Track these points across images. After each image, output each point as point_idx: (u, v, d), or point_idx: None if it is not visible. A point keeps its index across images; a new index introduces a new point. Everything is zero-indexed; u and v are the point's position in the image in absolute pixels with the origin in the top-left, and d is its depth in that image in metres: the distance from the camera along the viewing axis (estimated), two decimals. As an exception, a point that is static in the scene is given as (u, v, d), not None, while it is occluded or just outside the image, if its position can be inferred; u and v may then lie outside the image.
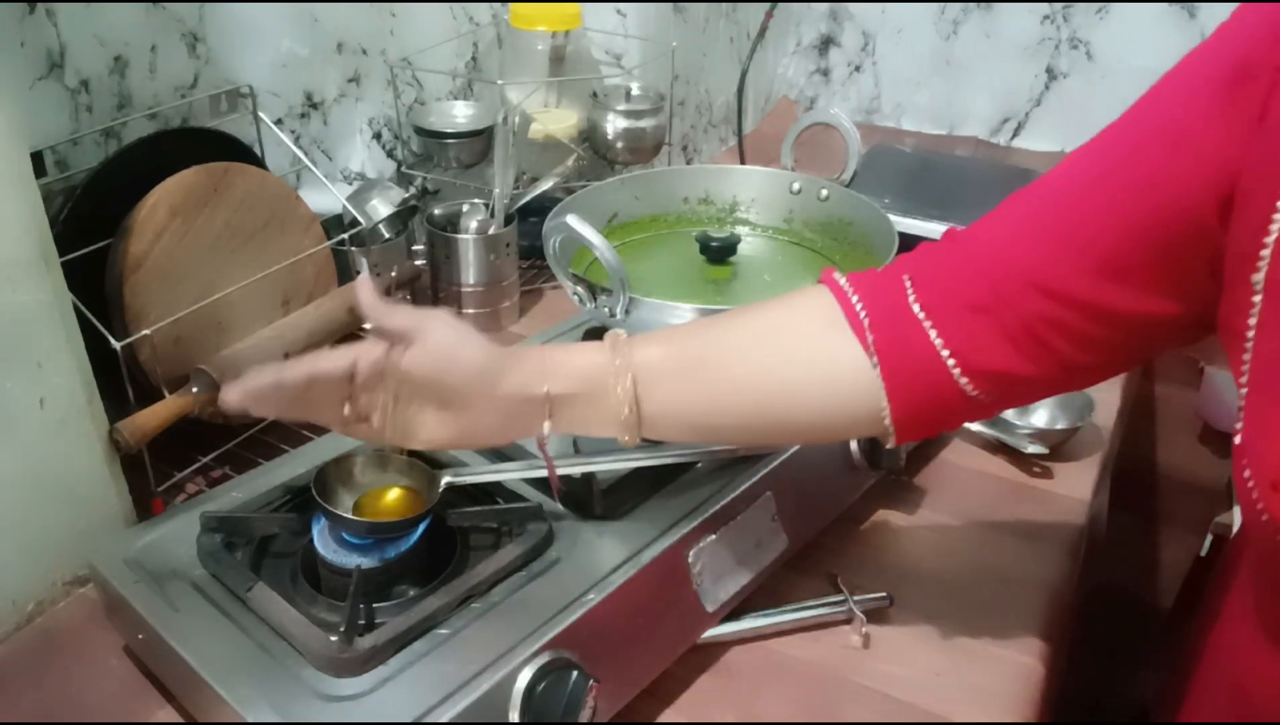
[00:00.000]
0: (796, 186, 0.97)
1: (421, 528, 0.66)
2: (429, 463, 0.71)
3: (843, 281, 0.61)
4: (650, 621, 0.67)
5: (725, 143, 1.63)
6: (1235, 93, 0.49)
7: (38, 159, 0.80)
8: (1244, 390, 0.52)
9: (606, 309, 0.76)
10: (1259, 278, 0.49)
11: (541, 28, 1.21)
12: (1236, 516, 1.20)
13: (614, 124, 1.24)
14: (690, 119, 1.48)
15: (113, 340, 0.74)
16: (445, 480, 0.68)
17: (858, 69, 1.75)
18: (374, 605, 0.63)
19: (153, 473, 0.78)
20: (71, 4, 0.82)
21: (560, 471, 0.71)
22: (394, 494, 0.69)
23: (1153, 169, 0.53)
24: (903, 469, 0.83)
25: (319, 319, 0.87)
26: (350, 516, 0.65)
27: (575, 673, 0.59)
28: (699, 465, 0.75)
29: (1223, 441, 1.24)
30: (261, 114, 0.97)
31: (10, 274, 0.65)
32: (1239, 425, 0.52)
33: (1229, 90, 0.50)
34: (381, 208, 1.07)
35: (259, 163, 0.94)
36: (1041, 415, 0.97)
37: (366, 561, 0.63)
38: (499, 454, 0.76)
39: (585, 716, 0.58)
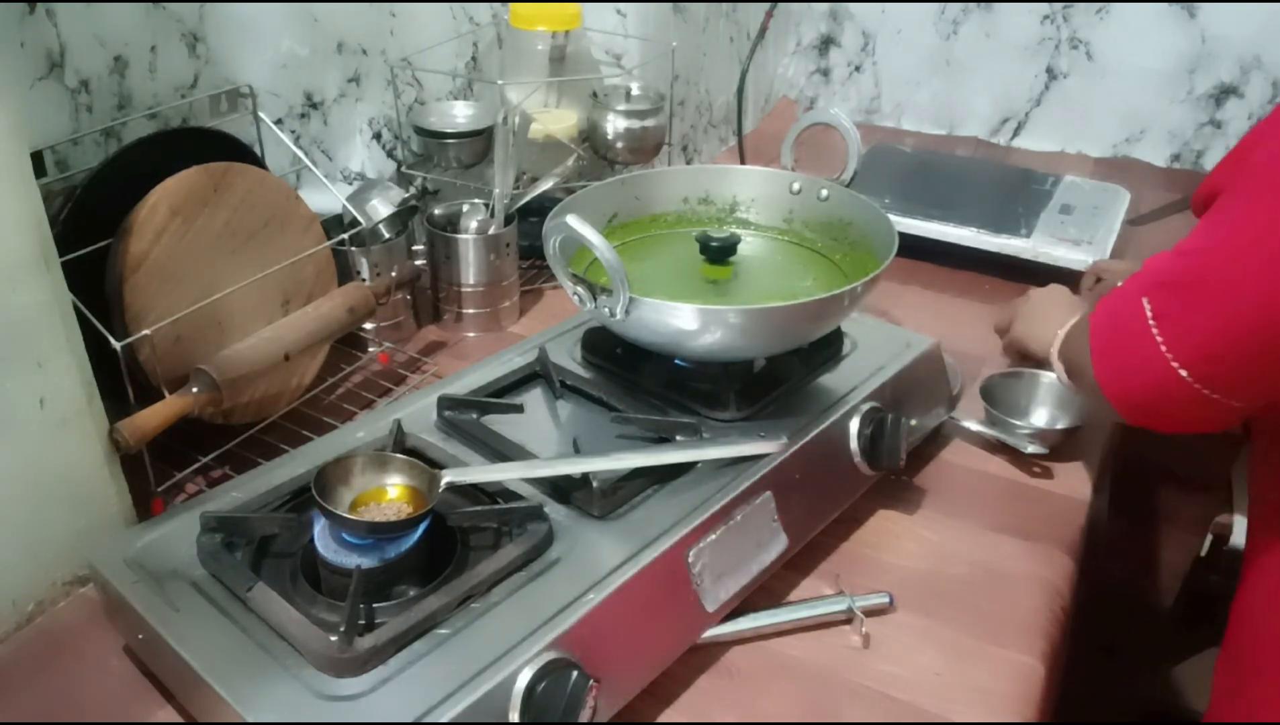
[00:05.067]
0: (796, 186, 0.97)
1: (421, 528, 0.66)
2: (429, 463, 0.71)
3: None
4: (650, 621, 0.67)
5: (725, 143, 1.63)
6: None
7: (38, 159, 0.80)
8: None
9: (606, 309, 0.76)
10: None
11: (541, 28, 1.21)
12: (1237, 518, 1.20)
13: (614, 124, 1.23)
14: (690, 119, 1.48)
15: (113, 340, 0.74)
16: (445, 480, 0.68)
17: (858, 69, 1.75)
18: (374, 605, 0.63)
19: (153, 473, 0.78)
20: (71, 4, 0.82)
21: (560, 471, 0.71)
22: (394, 494, 0.69)
23: None
24: (903, 469, 0.83)
25: (319, 319, 0.87)
26: (350, 517, 0.65)
27: (575, 673, 0.59)
28: (699, 465, 0.75)
29: (1223, 441, 1.24)
30: (261, 114, 0.97)
31: (10, 274, 0.65)
32: None
33: None
34: (381, 208, 1.07)
35: (259, 163, 0.94)
36: (1041, 415, 0.97)
37: (366, 561, 0.63)
38: (499, 454, 0.76)
39: (585, 716, 0.58)
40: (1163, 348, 0.67)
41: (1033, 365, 0.99)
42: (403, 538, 0.65)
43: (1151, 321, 0.68)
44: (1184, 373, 0.66)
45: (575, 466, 0.71)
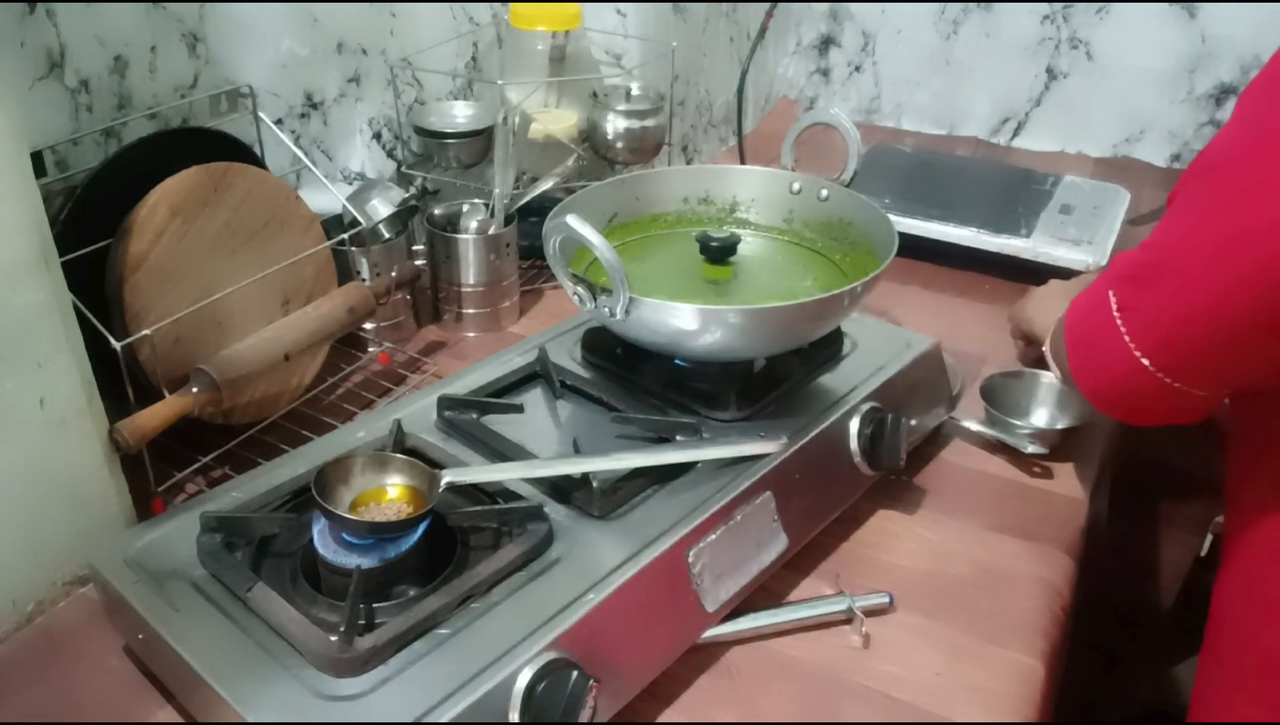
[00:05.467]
0: (796, 186, 0.97)
1: (422, 528, 0.66)
2: (429, 463, 0.71)
3: None
4: (650, 621, 0.67)
5: (725, 143, 1.63)
6: None
7: (38, 159, 0.80)
8: None
9: (606, 309, 0.76)
10: None
11: (541, 28, 1.21)
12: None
13: (614, 124, 1.23)
14: (690, 119, 1.48)
15: (113, 340, 0.74)
16: (445, 480, 0.68)
17: (858, 69, 1.75)
18: (374, 605, 0.63)
19: (153, 473, 0.78)
20: (71, 4, 0.82)
21: (560, 472, 0.71)
22: (394, 494, 0.69)
23: None
24: (903, 469, 0.83)
25: (319, 319, 0.87)
26: (350, 517, 0.65)
27: (575, 673, 0.59)
28: (699, 465, 0.75)
29: (1223, 441, 1.24)
30: (261, 114, 0.97)
31: (10, 274, 0.65)
32: None
33: None
34: (381, 208, 1.07)
35: (259, 163, 0.94)
36: (1041, 415, 0.97)
37: (366, 561, 0.63)
38: (499, 454, 0.76)
39: (585, 716, 0.58)
40: (1127, 338, 0.69)
41: (1033, 361, 0.99)
42: (403, 538, 0.65)
43: (1116, 313, 0.70)
44: (1146, 362, 0.68)
45: (575, 466, 0.71)
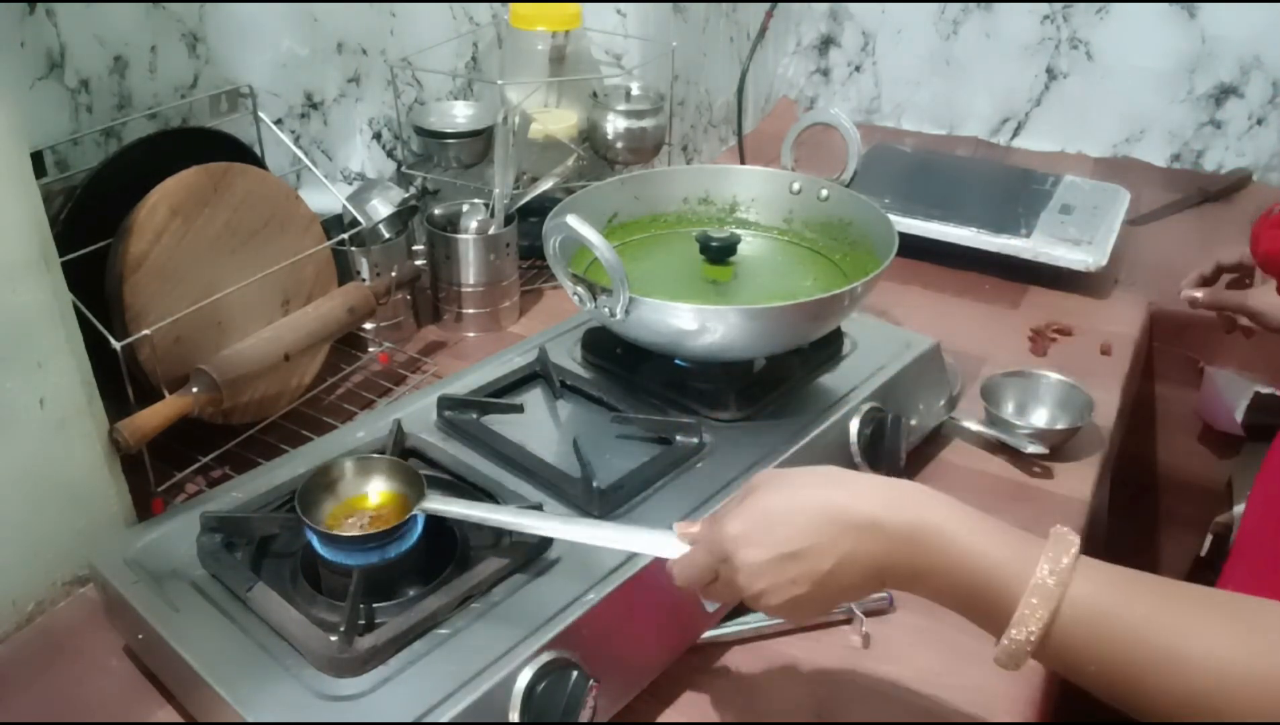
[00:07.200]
0: (796, 186, 0.97)
1: (420, 530, 0.66)
2: (428, 463, 0.71)
3: None
4: (650, 621, 0.67)
5: (725, 143, 1.63)
6: None
7: (38, 159, 0.80)
8: None
9: (606, 309, 0.76)
10: None
11: (541, 28, 1.21)
12: (1237, 516, 1.20)
13: (614, 124, 1.23)
14: (690, 119, 1.48)
15: (113, 340, 0.74)
16: (422, 505, 0.65)
17: (858, 69, 1.75)
18: (374, 605, 0.63)
19: (153, 473, 0.78)
20: (71, 4, 0.82)
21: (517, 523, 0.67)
22: (377, 501, 0.68)
23: None
24: (903, 469, 0.83)
25: (319, 319, 0.87)
26: (331, 532, 0.64)
27: (575, 673, 0.59)
28: (699, 464, 0.75)
29: (1223, 441, 1.24)
30: (261, 114, 0.97)
31: (10, 274, 0.65)
32: None
33: None
34: (381, 208, 1.07)
35: (259, 163, 0.94)
36: (1041, 415, 0.97)
37: (366, 561, 0.63)
38: (498, 454, 0.76)
39: (585, 716, 0.58)
40: None
41: None
42: (403, 538, 0.65)
43: None
44: None
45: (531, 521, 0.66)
